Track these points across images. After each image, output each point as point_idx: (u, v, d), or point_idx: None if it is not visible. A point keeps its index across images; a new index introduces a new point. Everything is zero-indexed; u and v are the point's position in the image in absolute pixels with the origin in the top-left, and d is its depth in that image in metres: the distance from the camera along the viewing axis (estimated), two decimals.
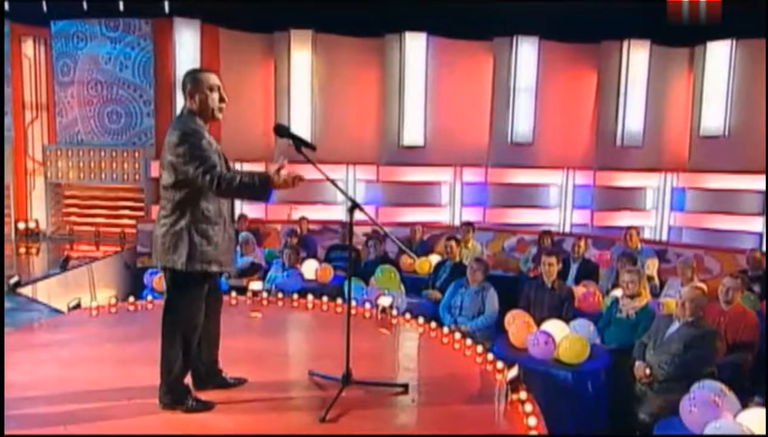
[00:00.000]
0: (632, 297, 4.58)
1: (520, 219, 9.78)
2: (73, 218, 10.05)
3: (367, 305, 4.59)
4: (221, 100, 2.76)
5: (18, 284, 5.49)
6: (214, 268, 2.73)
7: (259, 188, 2.55)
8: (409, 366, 3.56)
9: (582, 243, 6.46)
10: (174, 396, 2.73)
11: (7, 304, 4.97)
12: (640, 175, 10.07)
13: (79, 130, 9.76)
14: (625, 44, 9.78)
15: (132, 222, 9.37)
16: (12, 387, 2.88)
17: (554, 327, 4.08)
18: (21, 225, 9.90)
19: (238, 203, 10.40)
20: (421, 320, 4.23)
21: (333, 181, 2.80)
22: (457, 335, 3.83)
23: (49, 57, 9.95)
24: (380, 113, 10.27)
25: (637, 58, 9.83)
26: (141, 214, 9.44)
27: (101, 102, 9.52)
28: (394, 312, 4.41)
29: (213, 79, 2.75)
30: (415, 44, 9.81)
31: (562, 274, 6.14)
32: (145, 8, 9.44)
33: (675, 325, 3.83)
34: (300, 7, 9.42)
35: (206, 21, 9.56)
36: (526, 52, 9.81)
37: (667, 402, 3.38)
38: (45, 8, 10.04)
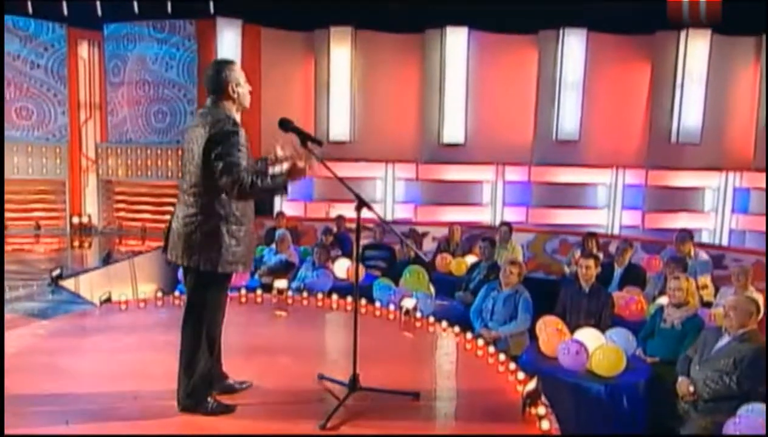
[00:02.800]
0: (679, 305, 4.23)
1: (565, 220, 9.38)
2: (122, 213, 10.44)
3: (392, 306, 4.46)
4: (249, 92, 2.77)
5: (60, 276, 5.69)
6: (240, 269, 2.69)
7: (279, 188, 2.59)
8: (426, 373, 3.38)
9: (628, 246, 6.06)
10: (196, 398, 2.67)
11: (46, 296, 5.17)
12: (697, 174, 9.42)
13: (128, 128, 10.12)
14: (683, 34, 9.16)
15: None
16: (27, 379, 2.93)
17: (588, 335, 3.82)
18: (75, 220, 10.37)
19: (277, 200, 10.34)
20: (444, 324, 4.05)
21: (340, 178, 2.67)
22: (480, 341, 3.62)
23: (102, 59, 10.37)
24: (420, 110, 10.09)
25: (695, 48, 9.17)
26: None
27: (148, 101, 9.83)
28: (418, 314, 4.25)
29: (241, 71, 2.73)
30: (456, 39, 9.56)
31: (606, 279, 5.83)
32: (190, 9, 9.67)
33: (725, 339, 3.47)
34: (340, 4, 9.38)
35: (248, 20, 9.68)
36: (573, 45, 9.36)
37: (713, 424, 3.08)
38: (99, 11, 10.51)
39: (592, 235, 7.10)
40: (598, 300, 4.59)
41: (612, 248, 7.09)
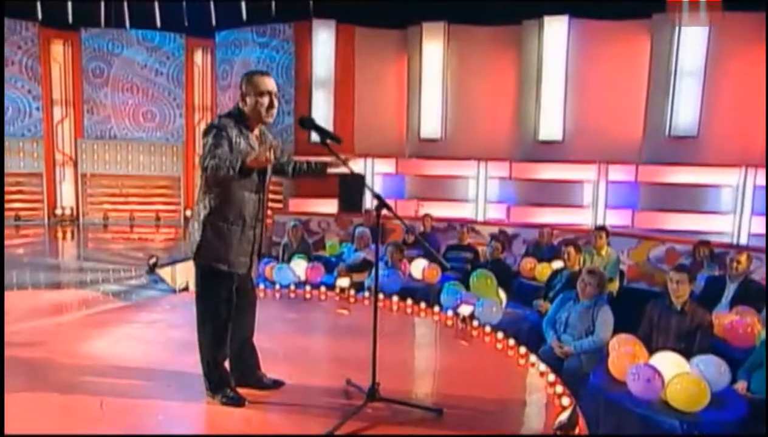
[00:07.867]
0: None
1: (678, 226, 8.36)
2: None
3: (449, 312, 4.24)
4: (270, 105, 2.71)
5: (155, 264, 6.22)
6: (221, 267, 2.66)
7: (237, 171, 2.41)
8: (460, 387, 3.08)
9: (743, 258, 5.19)
10: (211, 385, 2.77)
11: (141, 281, 5.69)
12: None
13: None
14: None
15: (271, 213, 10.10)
16: (76, 353, 3.21)
17: (667, 361, 3.30)
18: (188, 213, 11.34)
19: (367, 197, 10.43)
20: (500, 335, 3.75)
21: (359, 175, 2.54)
22: (533, 357, 3.29)
23: (213, 64, 11.22)
24: (515, 106, 9.62)
25: None
26: (280, 206, 10.13)
27: None
28: (475, 322, 3.98)
29: (265, 84, 2.71)
30: (555, 29, 8.96)
31: (716, 295, 5.06)
32: (291, 10, 10.11)
33: None
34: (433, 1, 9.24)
35: (342, 20, 9.88)
36: (693, 28, 8.28)
37: None
38: (214, 20, 11.39)
39: (705, 244, 6.22)
40: (693, 320, 3.95)
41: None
